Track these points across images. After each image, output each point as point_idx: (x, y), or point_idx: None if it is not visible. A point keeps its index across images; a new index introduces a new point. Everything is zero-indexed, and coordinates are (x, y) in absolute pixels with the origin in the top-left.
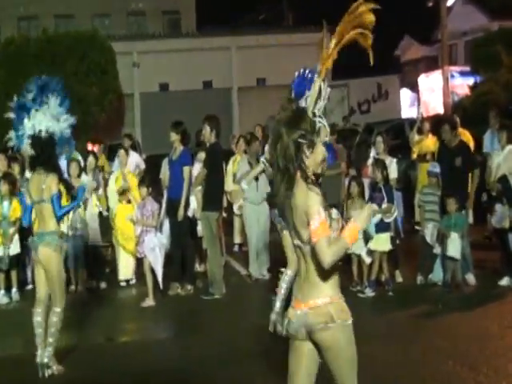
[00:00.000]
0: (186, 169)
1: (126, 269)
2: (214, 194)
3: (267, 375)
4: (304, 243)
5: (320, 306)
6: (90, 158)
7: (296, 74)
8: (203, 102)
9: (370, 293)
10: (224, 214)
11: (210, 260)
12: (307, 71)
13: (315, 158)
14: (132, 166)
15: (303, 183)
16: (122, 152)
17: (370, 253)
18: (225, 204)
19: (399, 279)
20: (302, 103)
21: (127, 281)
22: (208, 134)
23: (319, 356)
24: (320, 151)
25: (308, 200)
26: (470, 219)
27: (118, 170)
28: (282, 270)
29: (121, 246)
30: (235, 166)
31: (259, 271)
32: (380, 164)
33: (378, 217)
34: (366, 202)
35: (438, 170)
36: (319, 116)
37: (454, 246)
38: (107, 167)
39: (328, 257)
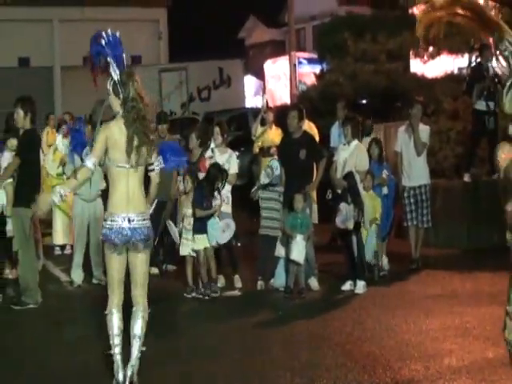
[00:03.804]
0: None
1: None
2: (28, 188)
3: None
4: None
5: None
6: None
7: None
8: (18, 82)
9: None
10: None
11: (21, 264)
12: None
13: None
14: None
15: None
16: None
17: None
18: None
19: (238, 284)
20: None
21: None
22: (21, 119)
23: None
24: None
25: None
26: (315, 218)
27: None
28: None
29: None
30: (57, 154)
31: (82, 276)
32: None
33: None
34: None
35: (278, 172)
36: None
37: (299, 249)
38: None
39: None
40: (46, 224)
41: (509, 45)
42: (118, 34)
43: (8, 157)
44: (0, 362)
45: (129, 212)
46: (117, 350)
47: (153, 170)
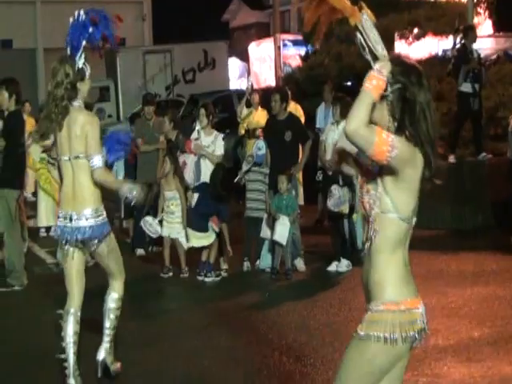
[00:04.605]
0: None
1: None
2: (13, 169)
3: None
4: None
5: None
6: None
7: (71, 20)
8: (1, 65)
9: (214, 276)
10: (27, 194)
11: (7, 246)
12: (81, 15)
13: None
14: None
15: None
16: None
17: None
18: (27, 182)
19: (224, 266)
20: (79, 61)
21: None
22: (6, 100)
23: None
24: None
25: None
26: (301, 200)
27: None
28: None
29: None
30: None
31: None
32: None
33: None
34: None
35: (263, 151)
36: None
37: (282, 230)
38: None
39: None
40: (31, 206)
41: (358, 33)
42: (82, 12)
43: None
44: None
45: (73, 209)
46: (71, 354)
47: (92, 166)
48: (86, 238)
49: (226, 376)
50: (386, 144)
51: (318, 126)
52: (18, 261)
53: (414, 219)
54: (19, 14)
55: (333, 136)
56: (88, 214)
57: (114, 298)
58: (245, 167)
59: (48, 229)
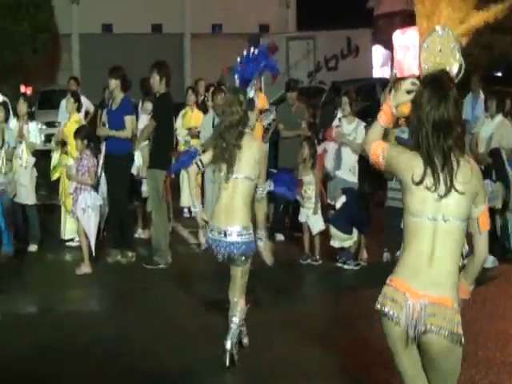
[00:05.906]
0: (128, 118)
1: (69, 227)
2: (162, 150)
3: (207, 351)
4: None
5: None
6: (21, 101)
7: (239, 58)
8: (151, 48)
9: (353, 265)
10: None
11: (154, 225)
12: (254, 51)
13: None
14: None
15: None
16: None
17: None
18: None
19: (364, 255)
20: (250, 92)
21: (72, 240)
22: (157, 83)
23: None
24: None
25: None
26: None
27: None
28: None
29: (62, 202)
30: (186, 120)
31: None
32: None
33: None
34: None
35: (406, 135)
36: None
37: None
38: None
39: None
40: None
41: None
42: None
43: (144, 119)
44: (130, 316)
45: (227, 224)
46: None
47: (260, 194)
48: (240, 253)
49: (366, 365)
50: (375, 157)
51: (464, 117)
52: (164, 240)
53: (440, 216)
54: (169, 0)
55: (488, 130)
56: (241, 230)
57: (238, 311)
58: None
59: (189, 209)
